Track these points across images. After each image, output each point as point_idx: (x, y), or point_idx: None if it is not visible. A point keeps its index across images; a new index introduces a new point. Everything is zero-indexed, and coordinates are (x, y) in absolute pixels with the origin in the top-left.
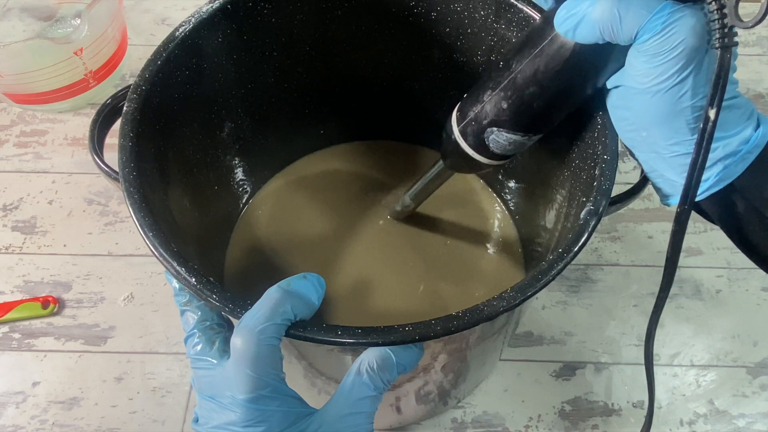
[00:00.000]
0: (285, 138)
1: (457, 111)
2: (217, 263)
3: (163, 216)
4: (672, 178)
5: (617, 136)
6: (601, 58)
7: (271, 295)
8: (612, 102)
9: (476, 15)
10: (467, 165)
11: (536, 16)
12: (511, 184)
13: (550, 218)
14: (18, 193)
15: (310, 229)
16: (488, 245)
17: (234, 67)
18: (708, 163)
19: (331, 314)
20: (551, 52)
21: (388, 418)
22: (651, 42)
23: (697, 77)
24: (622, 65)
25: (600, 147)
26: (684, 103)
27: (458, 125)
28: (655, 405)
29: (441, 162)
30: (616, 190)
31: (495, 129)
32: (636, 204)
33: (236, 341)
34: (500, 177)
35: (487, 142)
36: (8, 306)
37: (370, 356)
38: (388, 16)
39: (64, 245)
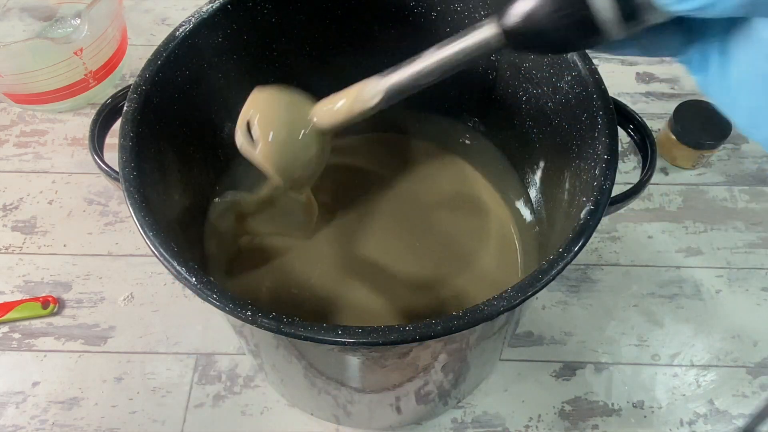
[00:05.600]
0: None
1: None
2: (217, 263)
3: (163, 216)
4: None
5: (617, 135)
6: None
7: None
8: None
9: (476, 15)
10: (567, 33)
11: None
12: (512, 180)
13: (549, 218)
14: (18, 193)
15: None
16: (488, 245)
17: (234, 67)
18: None
19: (331, 314)
20: None
21: (388, 418)
22: None
23: None
24: None
25: (600, 147)
26: None
27: None
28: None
29: (492, 27)
30: (616, 190)
31: None
32: (636, 204)
33: None
34: (500, 177)
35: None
36: (8, 306)
37: None
38: (388, 16)
39: (64, 245)
